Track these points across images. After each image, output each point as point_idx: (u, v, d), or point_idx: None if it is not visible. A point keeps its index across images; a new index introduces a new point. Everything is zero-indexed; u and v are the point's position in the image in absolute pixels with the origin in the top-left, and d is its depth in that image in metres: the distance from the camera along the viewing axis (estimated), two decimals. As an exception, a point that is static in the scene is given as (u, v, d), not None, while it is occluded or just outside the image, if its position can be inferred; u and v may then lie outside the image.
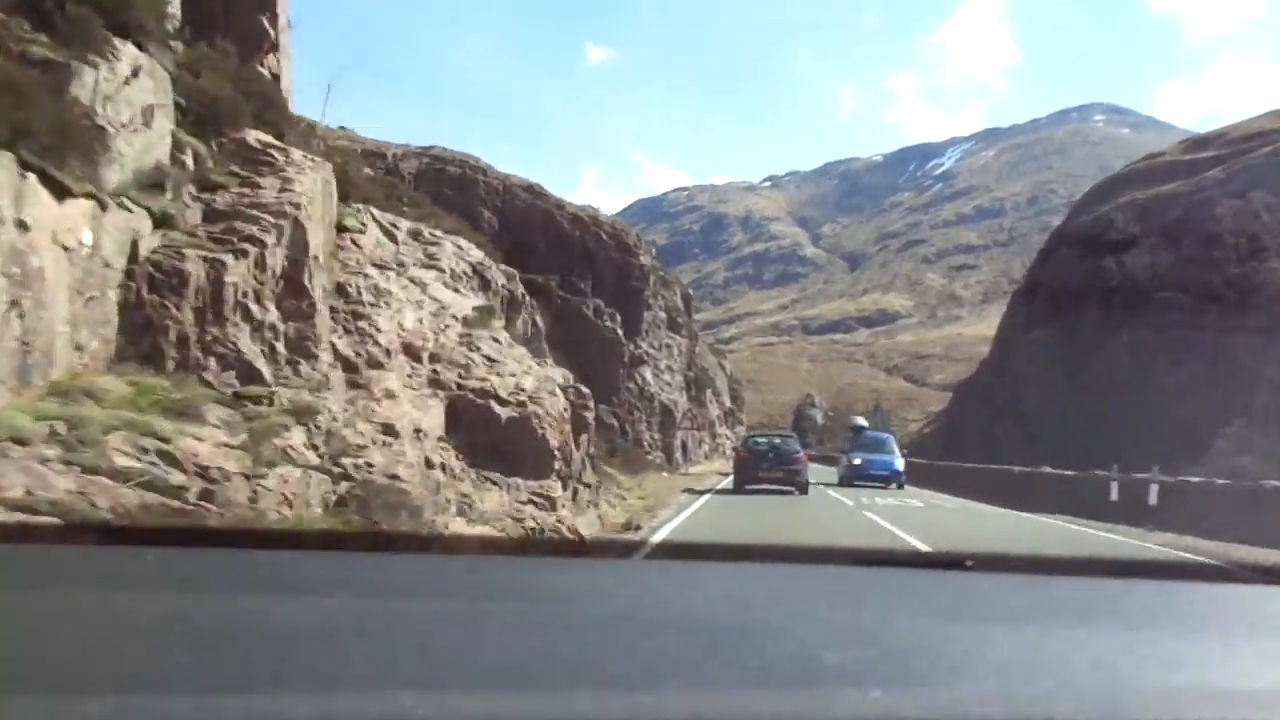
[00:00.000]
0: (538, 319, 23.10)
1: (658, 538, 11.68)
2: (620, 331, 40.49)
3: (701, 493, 22.27)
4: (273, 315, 10.03)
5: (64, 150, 7.48)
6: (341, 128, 36.11)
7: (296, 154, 11.91)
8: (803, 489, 21.34)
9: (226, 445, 7.32)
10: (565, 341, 30.75)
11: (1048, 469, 25.54)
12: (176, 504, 6.07)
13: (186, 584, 1.29)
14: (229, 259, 9.53)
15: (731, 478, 22.77)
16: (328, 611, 1.12)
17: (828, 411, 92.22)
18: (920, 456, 45.34)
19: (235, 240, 9.88)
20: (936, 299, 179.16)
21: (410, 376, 11.80)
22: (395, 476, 9.04)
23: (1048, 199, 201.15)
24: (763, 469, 21.91)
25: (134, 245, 8.85)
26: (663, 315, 46.83)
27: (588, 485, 16.01)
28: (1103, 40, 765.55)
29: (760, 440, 24.36)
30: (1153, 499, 18.56)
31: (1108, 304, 38.00)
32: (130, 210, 8.82)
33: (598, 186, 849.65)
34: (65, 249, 7.58)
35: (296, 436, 8.34)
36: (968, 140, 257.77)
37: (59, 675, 0.84)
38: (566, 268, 38.95)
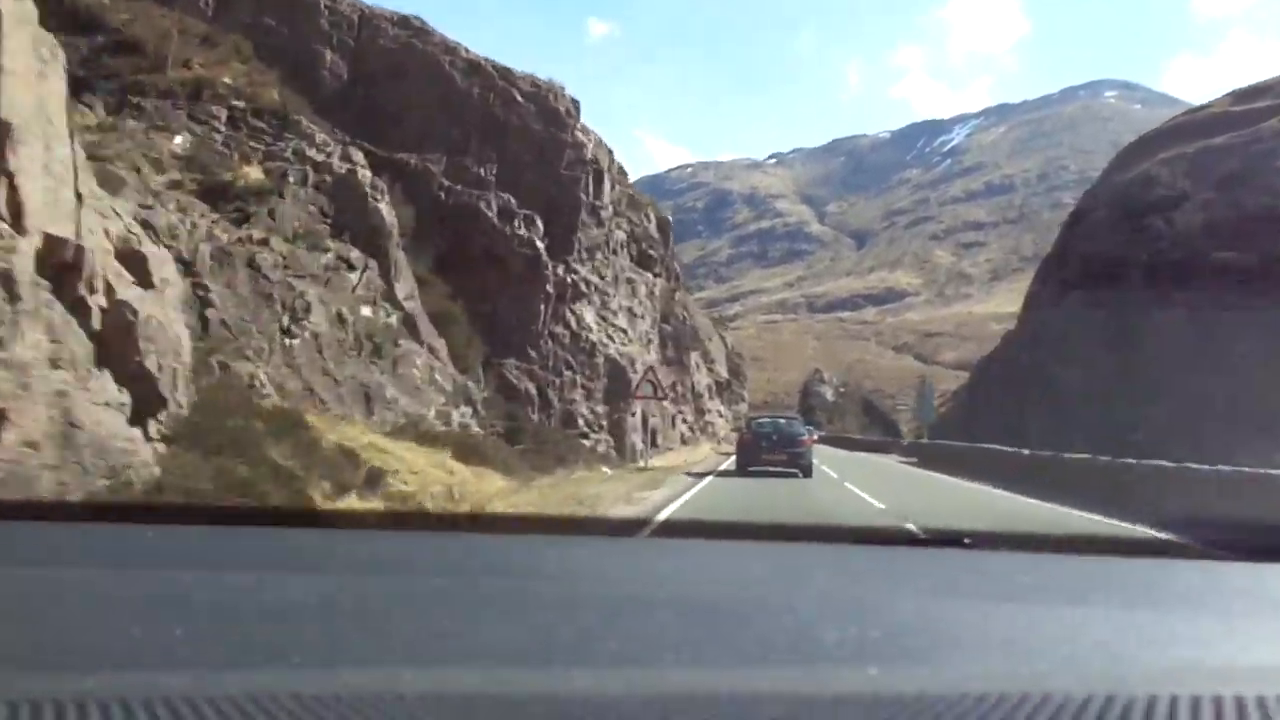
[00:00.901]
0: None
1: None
2: (541, 246, 25.96)
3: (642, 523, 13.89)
4: None
5: None
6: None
7: None
8: (806, 471, 20.68)
9: None
10: (453, 255, 23.05)
11: (1067, 455, 21.17)
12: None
13: (187, 561, 1.29)
14: None
15: (706, 481, 19.59)
16: (327, 588, 1.13)
17: (839, 388, 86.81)
18: (936, 437, 41.39)
19: None
20: (945, 277, 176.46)
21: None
22: None
23: (1058, 175, 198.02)
24: (765, 451, 21.30)
25: None
26: (622, 236, 33.39)
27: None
28: (1112, 14, 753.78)
29: (764, 422, 23.59)
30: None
31: (1155, 268, 33.26)
32: None
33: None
34: None
35: None
36: (976, 116, 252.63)
37: (60, 651, 0.86)
38: (459, 144, 25.84)
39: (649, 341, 35.30)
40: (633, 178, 42.28)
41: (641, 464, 24.20)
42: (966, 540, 1.61)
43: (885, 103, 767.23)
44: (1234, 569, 1.62)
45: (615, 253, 31.73)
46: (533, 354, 25.48)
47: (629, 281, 33.68)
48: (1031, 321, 44.46)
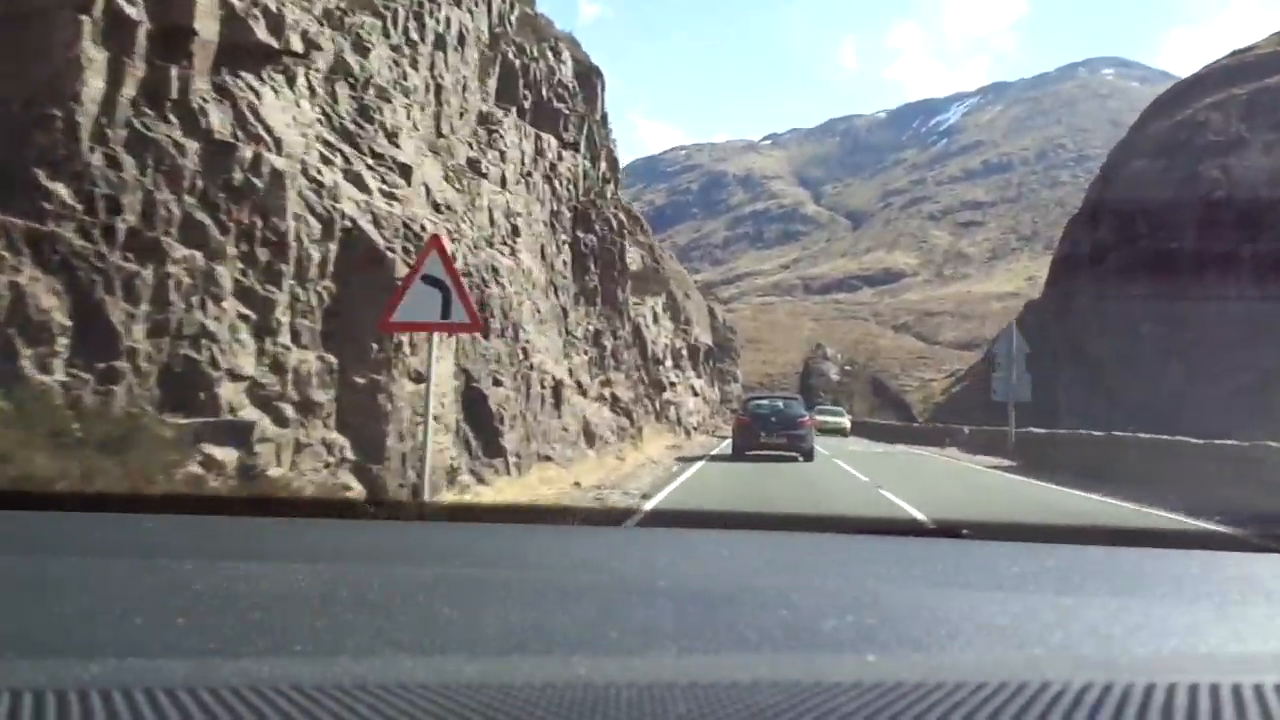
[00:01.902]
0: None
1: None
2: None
3: None
4: None
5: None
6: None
7: None
8: (807, 455, 19.92)
9: None
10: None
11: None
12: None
13: (187, 550, 1.29)
14: None
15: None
16: (328, 578, 1.14)
17: (845, 366, 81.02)
18: (948, 419, 36.90)
19: None
20: (943, 257, 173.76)
21: None
22: None
23: (1057, 154, 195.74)
24: (764, 434, 20.24)
25: None
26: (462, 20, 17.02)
27: None
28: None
29: (762, 403, 22.25)
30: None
31: (1213, 221, 28.67)
32: None
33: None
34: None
35: None
36: (973, 95, 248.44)
37: (62, 639, 0.86)
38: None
39: (539, 249, 19.40)
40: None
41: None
42: (964, 530, 1.62)
43: (881, 83, 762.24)
44: (1227, 558, 1.60)
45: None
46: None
47: (490, 125, 17.46)
48: (1058, 289, 39.73)
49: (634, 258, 31.29)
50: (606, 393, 22.60)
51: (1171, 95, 42.42)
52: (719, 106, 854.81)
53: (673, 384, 34.49)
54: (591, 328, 23.13)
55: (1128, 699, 0.78)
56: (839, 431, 36.56)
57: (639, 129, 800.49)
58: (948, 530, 1.65)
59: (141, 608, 0.96)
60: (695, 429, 36.99)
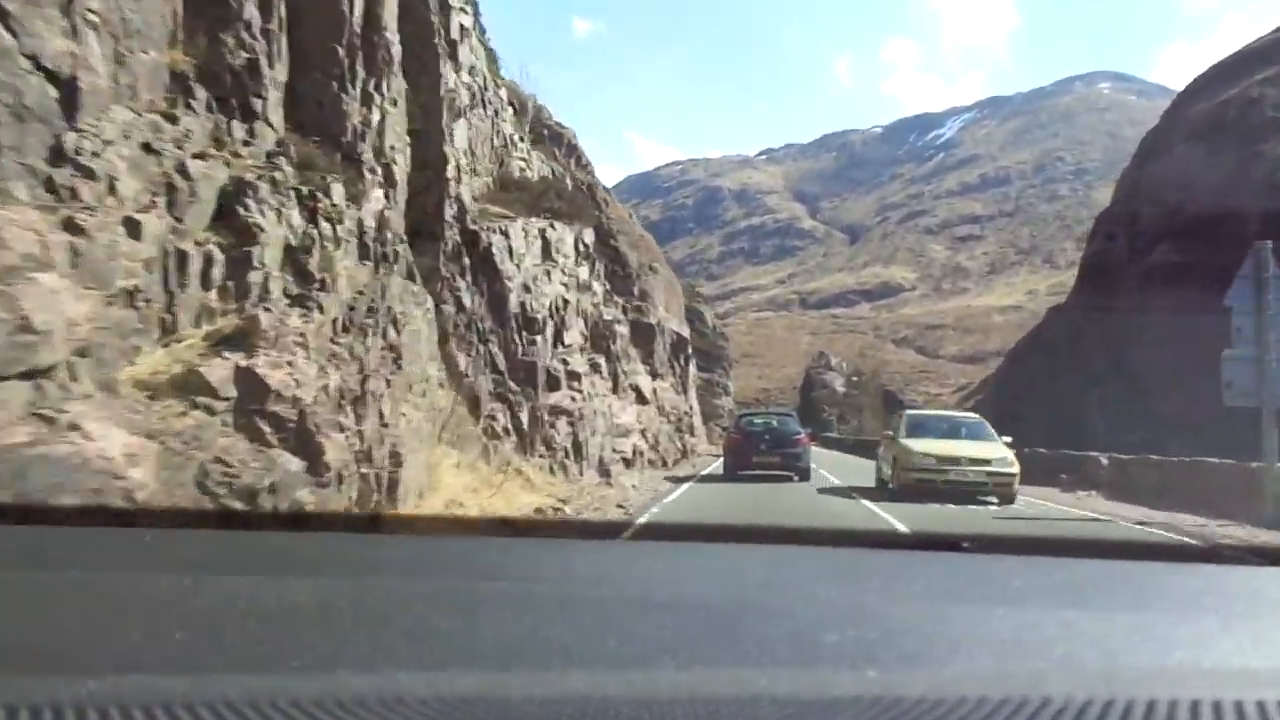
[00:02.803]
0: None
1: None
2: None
3: None
4: None
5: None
6: None
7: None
8: (804, 475, 18.75)
9: None
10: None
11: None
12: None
13: (185, 565, 1.27)
14: None
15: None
16: (325, 592, 1.12)
17: (851, 377, 74.72)
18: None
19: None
20: (941, 271, 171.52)
21: None
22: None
23: (1055, 167, 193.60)
24: (757, 453, 19.22)
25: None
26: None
27: None
28: (1103, 6, 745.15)
29: (755, 420, 21.13)
30: None
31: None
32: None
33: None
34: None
35: None
36: (969, 110, 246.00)
37: (60, 655, 0.85)
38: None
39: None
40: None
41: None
42: (965, 544, 1.59)
43: (877, 98, 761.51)
44: (1231, 573, 1.57)
45: None
46: None
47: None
48: (1089, 291, 35.31)
49: (545, 171, 23.12)
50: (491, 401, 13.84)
51: (1204, 80, 38.22)
52: (715, 124, 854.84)
53: (575, 378, 18.38)
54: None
55: (1130, 713, 0.77)
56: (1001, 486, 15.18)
57: (636, 147, 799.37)
58: (949, 544, 1.63)
59: (139, 623, 0.95)
60: (629, 464, 21.15)
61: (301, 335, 7.98)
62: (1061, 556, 1.59)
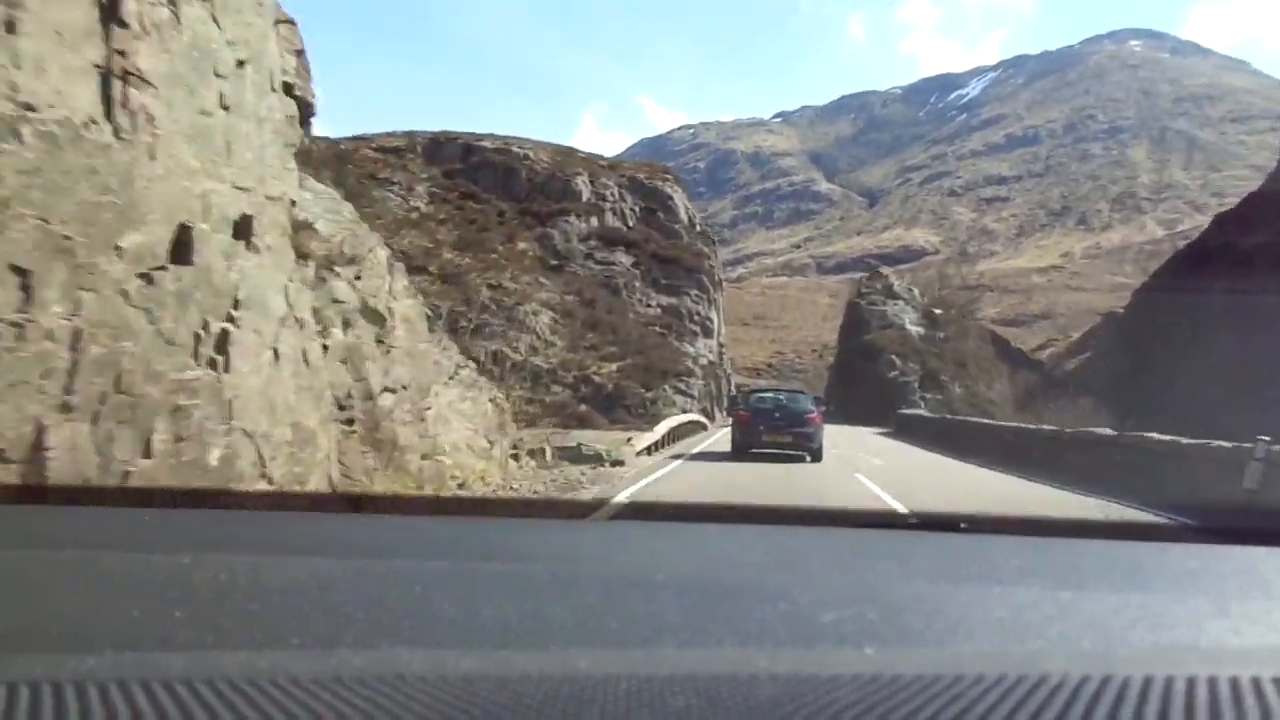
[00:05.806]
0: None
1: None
2: None
3: None
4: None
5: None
6: None
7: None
8: (816, 455, 17.79)
9: None
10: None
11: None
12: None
13: (185, 544, 1.26)
14: None
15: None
16: (325, 571, 1.12)
17: (931, 307, 50.79)
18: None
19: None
20: (966, 233, 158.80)
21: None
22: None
23: (1086, 126, 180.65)
24: (767, 431, 18.16)
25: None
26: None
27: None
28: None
29: (764, 396, 19.81)
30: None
31: None
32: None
33: (600, 129, 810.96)
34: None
35: None
36: (993, 69, 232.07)
37: (60, 633, 0.85)
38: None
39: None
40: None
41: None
42: (963, 524, 1.59)
43: (895, 58, 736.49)
44: (1226, 553, 1.55)
45: None
46: None
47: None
48: (1210, 252, 23.71)
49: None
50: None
51: None
52: (729, 88, 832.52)
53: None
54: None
55: (1126, 691, 0.77)
56: None
57: (647, 112, 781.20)
58: (946, 524, 1.62)
59: (138, 601, 0.94)
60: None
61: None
62: (1058, 537, 1.60)
